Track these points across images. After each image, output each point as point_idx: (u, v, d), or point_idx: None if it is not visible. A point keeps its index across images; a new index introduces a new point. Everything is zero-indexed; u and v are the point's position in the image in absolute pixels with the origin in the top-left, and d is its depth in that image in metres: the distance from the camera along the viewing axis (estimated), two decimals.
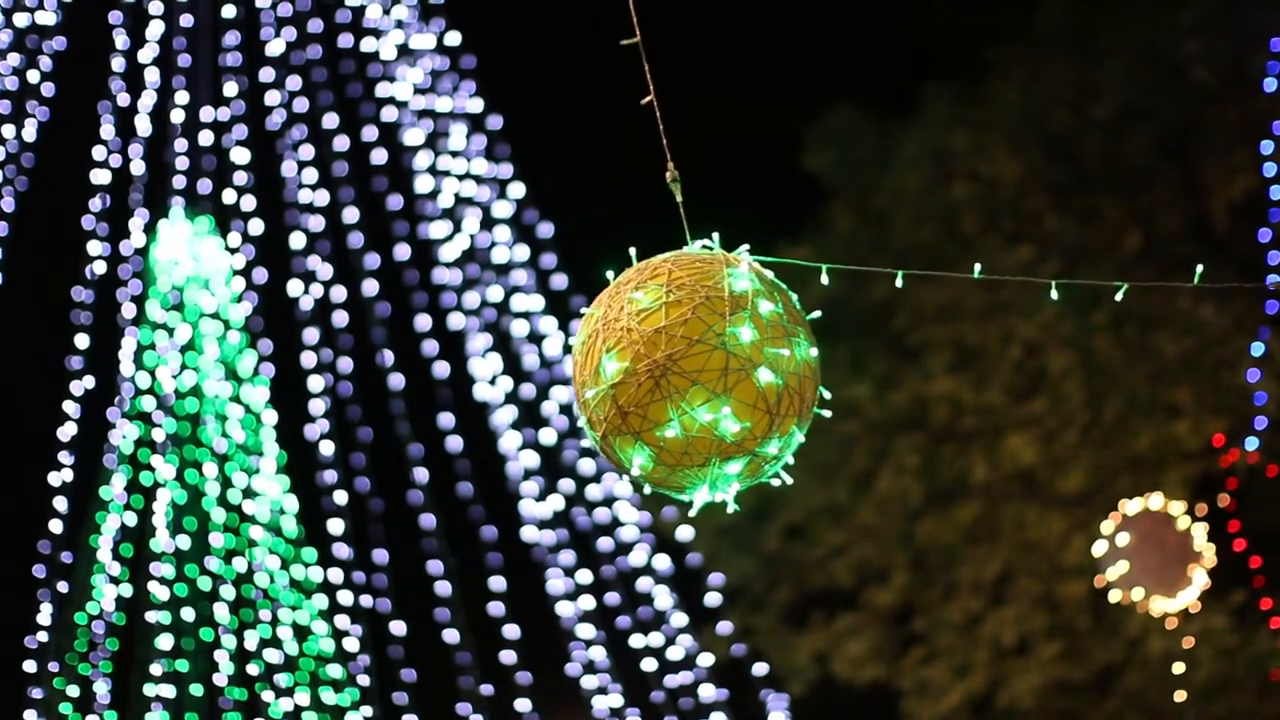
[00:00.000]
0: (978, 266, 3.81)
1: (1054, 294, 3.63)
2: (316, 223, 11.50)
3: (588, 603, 11.45)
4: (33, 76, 10.87)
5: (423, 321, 11.44)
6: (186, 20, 11.44)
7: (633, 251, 3.42)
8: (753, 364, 3.19)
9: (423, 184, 11.35)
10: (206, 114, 11.48)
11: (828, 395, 3.41)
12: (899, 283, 3.69)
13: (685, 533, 12.01)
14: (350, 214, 11.43)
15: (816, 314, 3.45)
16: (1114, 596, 9.46)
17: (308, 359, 11.47)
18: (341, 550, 11.55)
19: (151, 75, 11.25)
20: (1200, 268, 3.84)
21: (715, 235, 3.40)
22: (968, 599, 12.70)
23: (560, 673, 11.52)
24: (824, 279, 3.58)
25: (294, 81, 11.45)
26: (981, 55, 12.99)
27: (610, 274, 3.38)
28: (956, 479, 12.77)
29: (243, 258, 11.62)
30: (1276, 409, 11.25)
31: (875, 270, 3.94)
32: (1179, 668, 10.91)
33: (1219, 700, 11.55)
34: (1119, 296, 3.68)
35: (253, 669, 11.31)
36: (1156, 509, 9.28)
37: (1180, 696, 11.01)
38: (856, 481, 13.11)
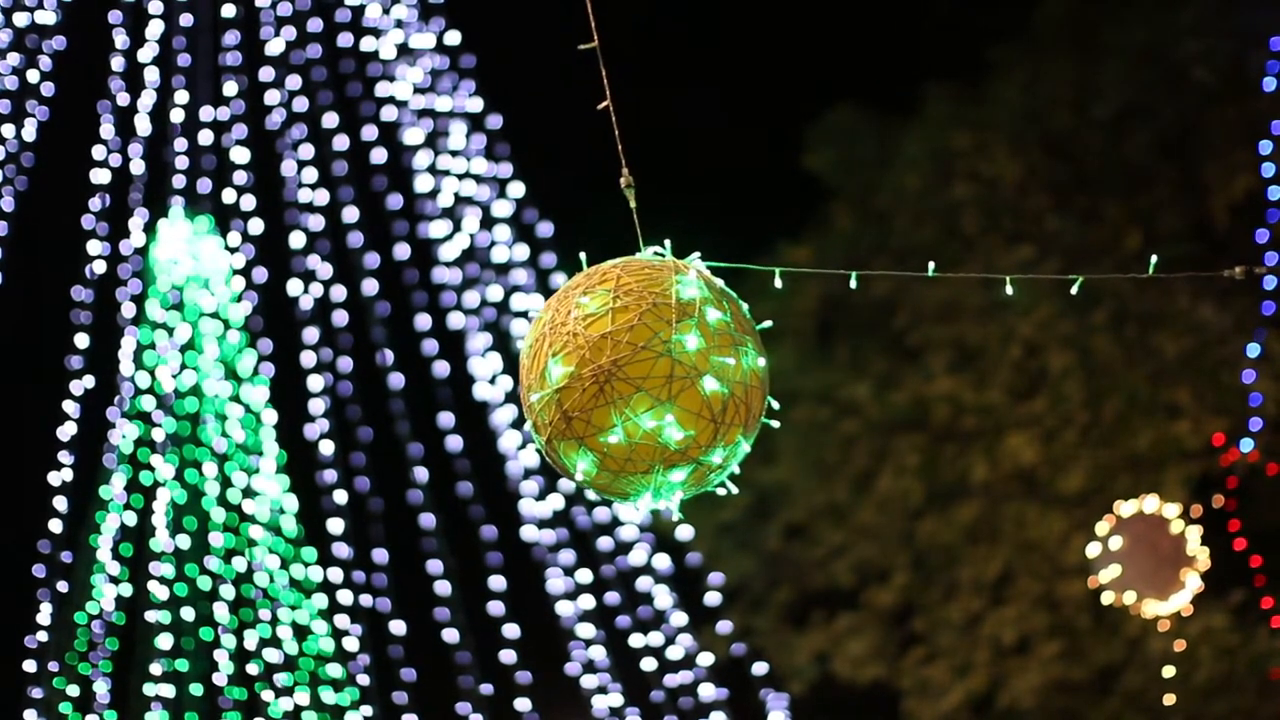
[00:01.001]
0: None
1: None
2: (316, 222, 11.49)
3: (587, 602, 11.44)
4: (32, 76, 10.87)
5: (422, 321, 11.44)
6: (186, 20, 11.43)
7: (583, 256, 3.43)
8: (698, 372, 3.16)
9: (422, 183, 11.35)
10: (206, 113, 11.47)
11: (776, 405, 3.38)
12: (852, 283, 3.68)
13: (685, 532, 12.01)
14: (350, 213, 11.43)
15: (767, 324, 3.43)
16: (1107, 599, 9.46)
17: (307, 358, 11.47)
18: (341, 550, 11.55)
19: (151, 74, 11.25)
20: (1154, 258, 3.84)
21: (667, 242, 3.39)
22: (968, 599, 12.70)
23: (560, 672, 11.52)
24: (778, 283, 3.58)
25: (294, 81, 11.45)
26: (982, 55, 13.00)
27: (562, 277, 3.38)
28: (957, 479, 12.77)
29: (242, 257, 11.62)
30: (1275, 409, 11.25)
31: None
32: (1170, 670, 10.89)
33: (1219, 699, 11.55)
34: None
35: (252, 668, 11.31)
36: (1151, 511, 9.28)
37: (1170, 700, 10.99)
38: (857, 481, 13.11)
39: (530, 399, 3.28)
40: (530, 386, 3.28)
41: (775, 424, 3.43)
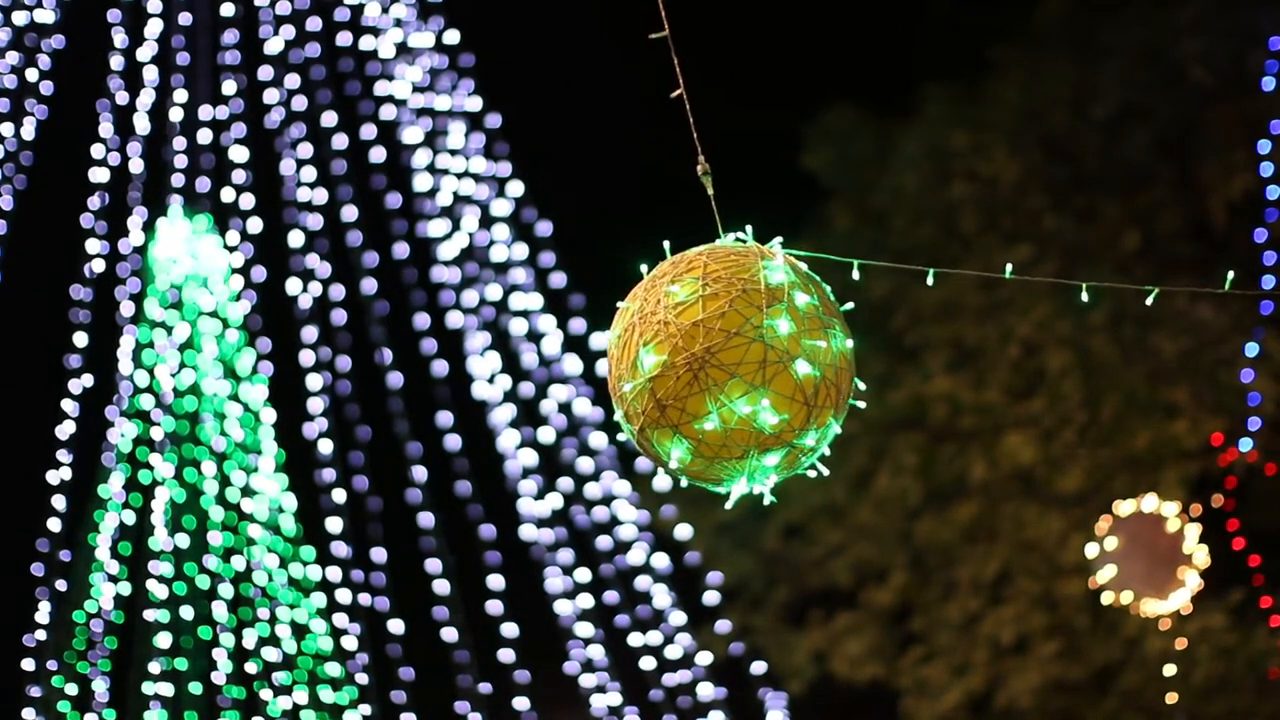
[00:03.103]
0: (1008, 266, 3.82)
1: (1084, 296, 3.65)
2: (315, 221, 11.50)
3: (586, 601, 11.45)
4: (31, 75, 10.87)
5: (421, 320, 11.44)
6: (185, 18, 11.43)
7: (666, 245, 3.43)
8: (790, 356, 3.20)
9: (421, 182, 11.35)
10: (205, 112, 11.48)
11: (863, 386, 3.44)
12: (930, 280, 3.71)
13: (684, 531, 12.01)
14: (349, 212, 11.43)
15: (850, 305, 3.46)
16: (1106, 599, 9.47)
17: (306, 357, 11.47)
18: (340, 548, 11.55)
19: (150, 73, 11.25)
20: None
21: (748, 228, 3.41)
22: (966, 598, 12.70)
23: (559, 671, 11.52)
24: (855, 274, 3.59)
25: (292, 80, 11.45)
26: (980, 54, 13.00)
27: (644, 267, 3.38)
28: (955, 478, 12.77)
29: (241, 256, 11.63)
30: (1273, 409, 11.25)
31: (909, 268, 3.93)
32: (1171, 669, 10.91)
33: (1217, 699, 11.55)
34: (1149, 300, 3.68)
35: (251, 667, 11.31)
36: (1149, 510, 9.29)
37: (1172, 699, 11.01)
38: (855, 481, 13.11)
39: (623, 388, 3.28)
40: (622, 376, 3.28)
41: (862, 405, 3.46)
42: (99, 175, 11.07)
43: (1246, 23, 11.71)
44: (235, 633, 11.33)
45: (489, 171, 11.38)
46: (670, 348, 3.19)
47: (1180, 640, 11.03)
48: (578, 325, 11.28)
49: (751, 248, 3.35)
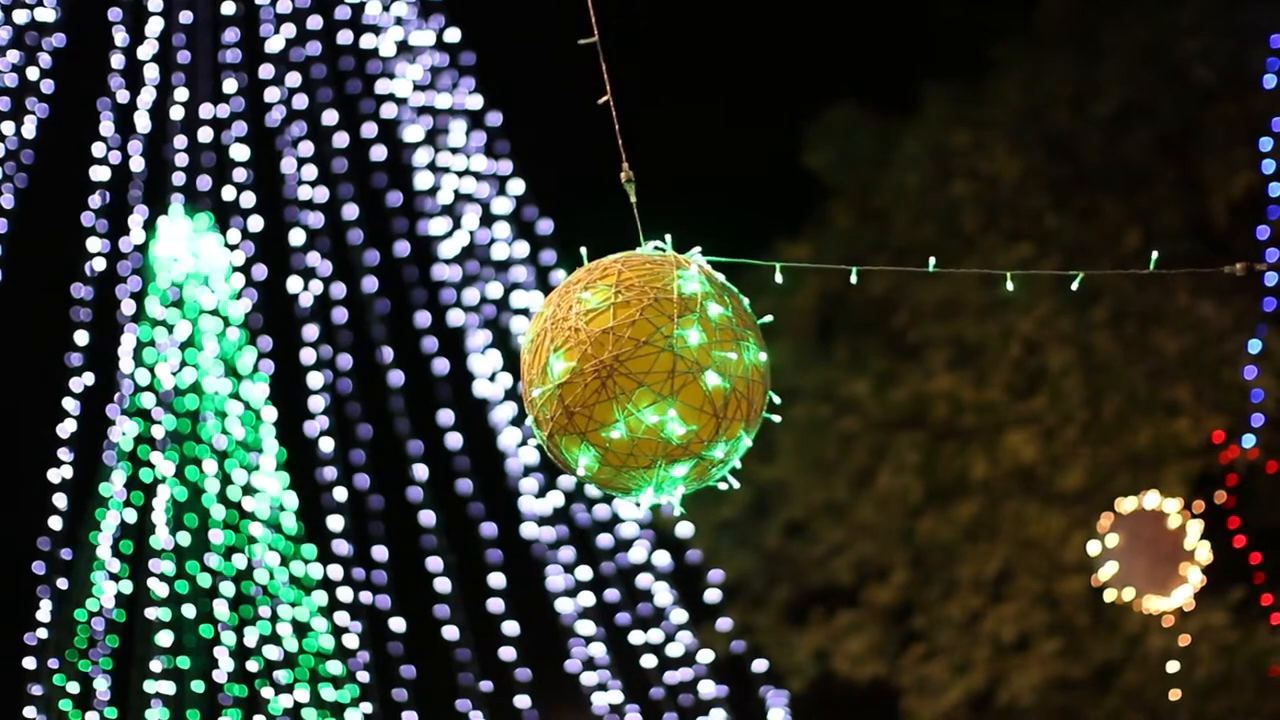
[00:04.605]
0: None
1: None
2: (316, 219, 11.49)
3: (587, 599, 11.45)
4: (32, 73, 10.87)
5: (422, 318, 11.44)
6: (186, 17, 11.43)
7: (583, 251, 3.42)
8: (700, 367, 3.16)
9: (422, 180, 11.35)
10: (206, 111, 11.47)
11: (777, 400, 3.38)
12: (852, 279, 3.68)
13: (685, 529, 12.01)
14: (350, 210, 11.43)
15: (768, 318, 3.43)
16: (1109, 596, 9.46)
17: (307, 355, 11.47)
18: (341, 547, 11.55)
19: (151, 72, 11.25)
20: (1155, 254, 3.85)
21: (668, 237, 3.39)
22: (968, 596, 12.70)
23: (560, 669, 11.52)
24: (778, 278, 3.58)
25: (293, 78, 11.45)
26: (982, 53, 13.00)
27: (561, 273, 3.37)
28: (956, 476, 12.77)
29: (242, 254, 11.62)
30: (1275, 406, 11.25)
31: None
32: (1175, 666, 10.91)
33: (1218, 697, 11.55)
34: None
35: (252, 665, 11.31)
36: (1151, 507, 9.28)
37: (1176, 695, 11.01)
38: (856, 479, 13.12)
39: (532, 394, 3.28)
40: (532, 381, 3.27)
41: (777, 419, 3.44)
42: (100, 173, 11.07)
43: (1247, 21, 11.71)
44: (237, 631, 11.33)
45: (490, 170, 11.38)
46: (580, 354, 3.17)
47: (1184, 637, 11.04)
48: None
49: (669, 257, 3.32)
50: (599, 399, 3.16)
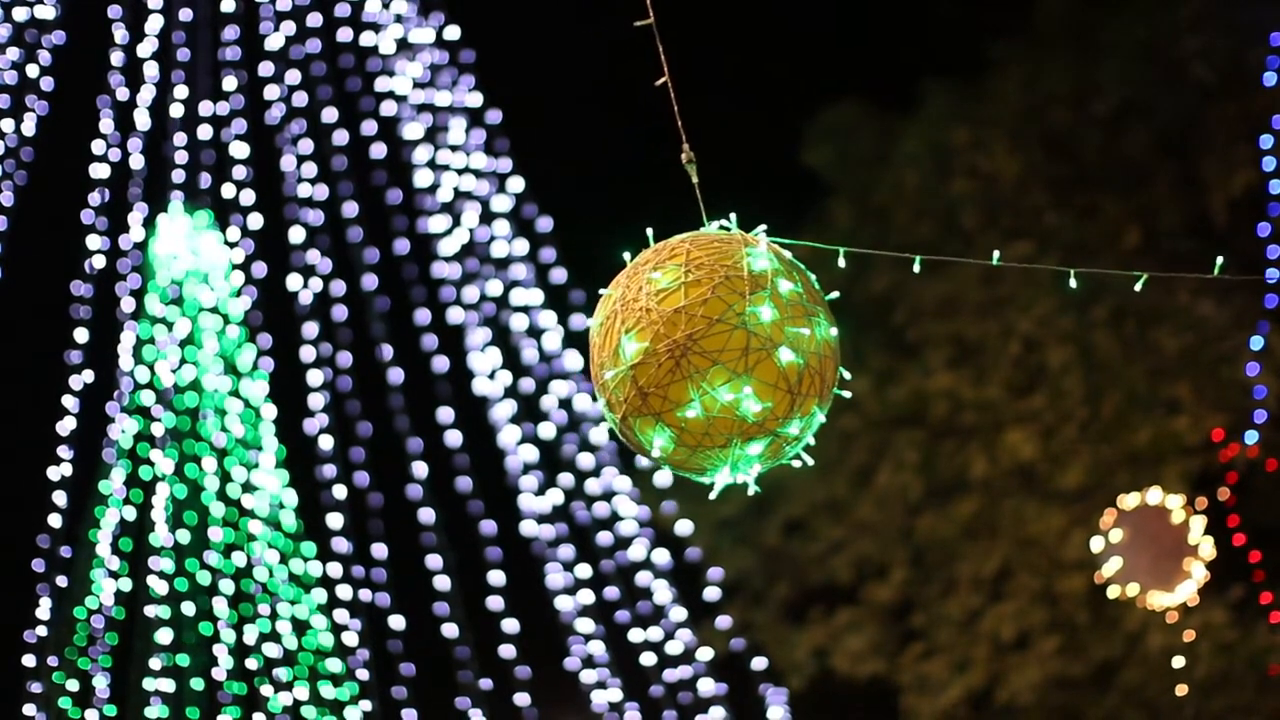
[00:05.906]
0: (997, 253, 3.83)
1: (1071, 283, 3.64)
2: (316, 217, 11.49)
3: (587, 597, 11.45)
4: (32, 71, 10.86)
5: (422, 316, 11.44)
6: (185, 15, 11.43)
7: (650, 232, 3.40)
8: (773, 343, 3.16)
9: (422, 178, 11.35)
10: (205, 108, 11.47)
11: (848, 376, 3.39)
12: (916, 268, 3.69)
13: (684, 527, 12.01)
14: (349, 208, 11.43)
15: (835, 294, 3.42)
16: (1113, 592, 9.46)
17: (307, 353, 11.47)
18: (341, 545, 11.54)
19: (150, 69, 11.24)
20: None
21: (733, 215, 3.38)
22: (967, 594, 12.70)
23: (559, 667, 11.52)
24: (841, 262, 3.57)
25: (293, 76, 11.44)
26: (982, 51, 13.00)
27: (627, 255, 3.36)
28: (956, 474, 12.77)
29: (242, 252, 11.62)
30: (1276, 403, 11.25)
31: (890, 254, 3.92)
32: (1178, 662, 10.91)
33: (1218, 695, 11.55)
34: (1138, 286, 3.69)
35: (252, 663, 11.31)
36: (1154, 504, 9.29)
37: (1182, 691, 11.01)
38: (856, 477, 13.11)
39: (604, 376, 3.24)
40: (603, 364, 3.24)
41: (848, 394, 3.43)
42: (99, 171, 11.06)
43: (1247, 19, 11.71)
44: (236, 629, 11.33)
45: (489, 167, 11.37)
46: (652, 335, 3.15)
47: (1188, 633, 11.04)
48: (578, 321, 11.28)
49: (735, 235, 3.32)
50: (673, 379, 3.14)
